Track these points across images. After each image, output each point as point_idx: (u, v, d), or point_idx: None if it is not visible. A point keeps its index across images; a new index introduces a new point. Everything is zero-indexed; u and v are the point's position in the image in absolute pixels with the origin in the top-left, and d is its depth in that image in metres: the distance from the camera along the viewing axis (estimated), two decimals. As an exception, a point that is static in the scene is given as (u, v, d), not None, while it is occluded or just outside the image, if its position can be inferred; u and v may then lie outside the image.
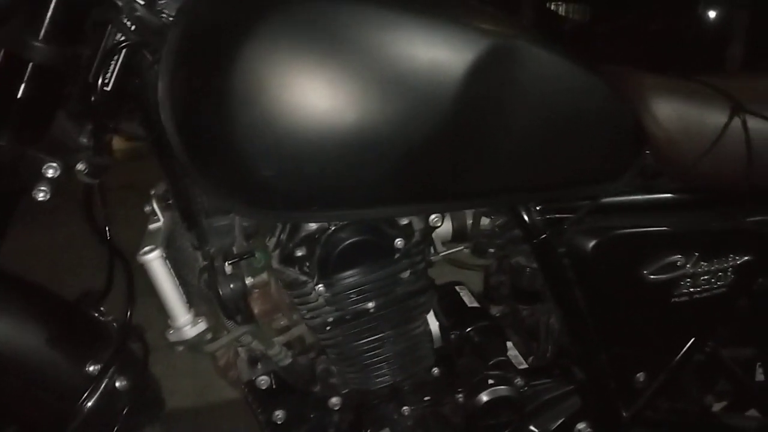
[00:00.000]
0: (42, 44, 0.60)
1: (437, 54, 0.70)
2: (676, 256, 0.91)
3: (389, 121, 0.70)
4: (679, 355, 1.00)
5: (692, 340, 1.00)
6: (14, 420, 0.83)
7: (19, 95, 0.60)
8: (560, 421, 1.00)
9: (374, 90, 0.69)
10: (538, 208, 0.87)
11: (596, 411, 1.00)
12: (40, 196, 0.66)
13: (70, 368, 0.78)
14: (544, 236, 0.87)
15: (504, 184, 0.80)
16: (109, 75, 0.72)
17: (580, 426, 1.00)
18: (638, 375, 0.99)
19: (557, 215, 0.89)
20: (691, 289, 0.94)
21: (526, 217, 0.87)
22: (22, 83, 0.60)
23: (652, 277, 0.91)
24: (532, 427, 0.98)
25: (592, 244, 0.88)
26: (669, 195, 0.93)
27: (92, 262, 0.83)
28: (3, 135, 0.61)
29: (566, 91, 0.78)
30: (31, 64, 0.61)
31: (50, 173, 0.66)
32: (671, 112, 0.86)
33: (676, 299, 0.94)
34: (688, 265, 0.92)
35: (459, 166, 0.76)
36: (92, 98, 0.70)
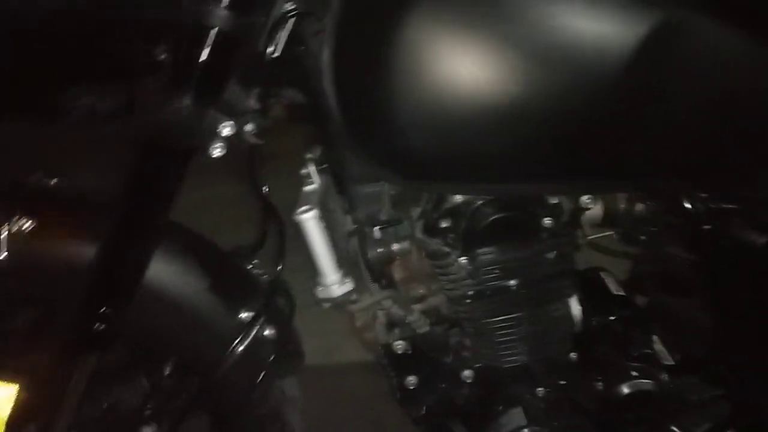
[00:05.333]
0: (226, 11, 0.64)
1: (603, 27, 0.67)
2: None
3: (547, 96, 0.68)
4: None
5: None
6: (174, 353, 0.91)
7: (201, 59, 0.65)
8: (706, 426, 0.94)
9: (534, 63, 0.67)
10: (703, 195, 0.81)
11: (749, 421, 0.93)
12: (217, 152, 0.71)
13: (226, 313, 0.85)
14: (707, 227, 0.81)
15: (669, 168, 0.75)
16: (277, 43, 0.75)
17: (730, 434, 0.93)
18: (802, 386, 0.91)
19: (724, 205, 0.82)
20: None
21: (689, 206, 0.81)
22: (205, 48, 0.65)
23: (832, 281, 0.82)
24: (673, 428, 0.93)
25: (764, 240, 0.80)
26: None
27: (249, 219, 0.89)
28: (188, 95, 0.66)
29: (740, 68, 0.71)
30: (214, 30, 0.65)
31: (226, 131, 0.70)
32: None
33: None
34: None
35: (620, 146, 0.72)
36: (261, 64, 0.73)
